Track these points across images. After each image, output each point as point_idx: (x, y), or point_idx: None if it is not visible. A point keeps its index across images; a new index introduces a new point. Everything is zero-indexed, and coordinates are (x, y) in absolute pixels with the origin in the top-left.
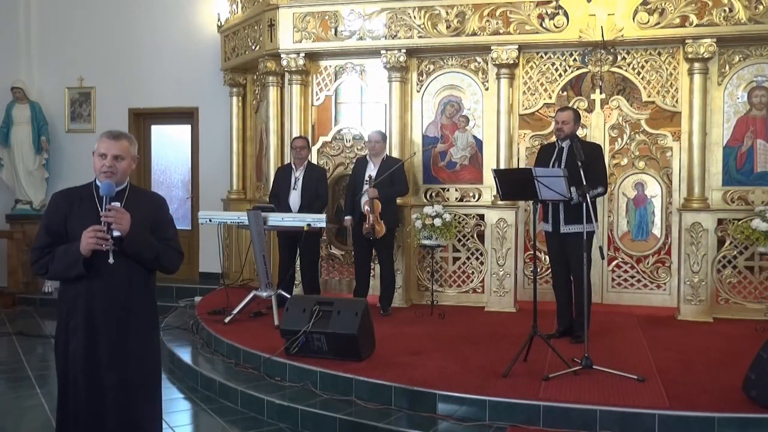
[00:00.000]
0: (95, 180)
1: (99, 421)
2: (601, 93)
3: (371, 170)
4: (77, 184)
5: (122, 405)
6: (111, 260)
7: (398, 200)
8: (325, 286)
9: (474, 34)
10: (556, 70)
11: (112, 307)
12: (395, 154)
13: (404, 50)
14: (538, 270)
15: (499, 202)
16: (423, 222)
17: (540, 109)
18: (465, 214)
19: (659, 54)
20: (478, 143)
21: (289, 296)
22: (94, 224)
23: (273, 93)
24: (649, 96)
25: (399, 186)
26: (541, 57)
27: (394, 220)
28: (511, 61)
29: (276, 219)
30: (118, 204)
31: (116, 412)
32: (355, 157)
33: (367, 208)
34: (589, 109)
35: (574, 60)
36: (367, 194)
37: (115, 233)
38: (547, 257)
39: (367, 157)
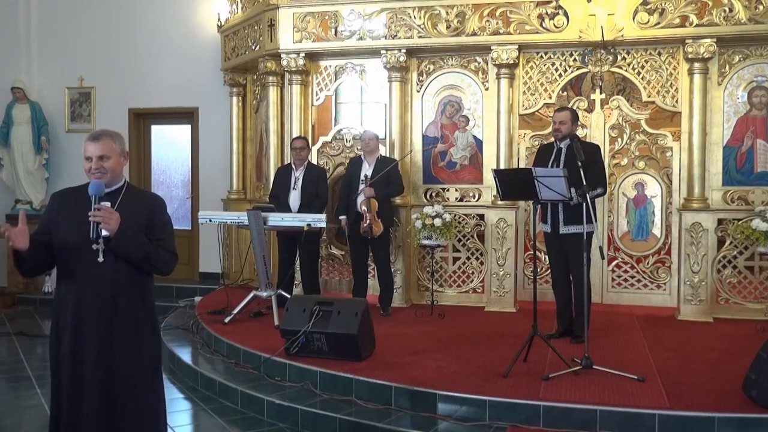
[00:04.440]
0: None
1: (88, 421)
2: (601, 93)
3: (366, 170)
4: (77, 184)
5: (110, 405)
6: (101, 259)
7: (398, 200)
8: (325, 286)
9: (474, 34)
10: (556, 70)
11: (99, 306)
12: (396, 154)
13: (404, 50)
14: (538, 270)
15: (499, 202)
16: (423, 222)
17: (540, 109)
18: (465, 214)
19: (659, 54)
20: (478, 143)
21: (289, 296)
22: (82, 223)
23: (273, 93)
24: (649, 96)
25: (395, 186)
26: (541, 57)
27: (389, 220)
28: (511, 61)
29: (276, 219)
30: (108, 204)
31: (103, 412)
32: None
33: (364, 207)
34: (589, 109)
35: (574, 60)
36: (363, 194)
37: (104, 233)
38: (547, 257)
39: (362, 157)
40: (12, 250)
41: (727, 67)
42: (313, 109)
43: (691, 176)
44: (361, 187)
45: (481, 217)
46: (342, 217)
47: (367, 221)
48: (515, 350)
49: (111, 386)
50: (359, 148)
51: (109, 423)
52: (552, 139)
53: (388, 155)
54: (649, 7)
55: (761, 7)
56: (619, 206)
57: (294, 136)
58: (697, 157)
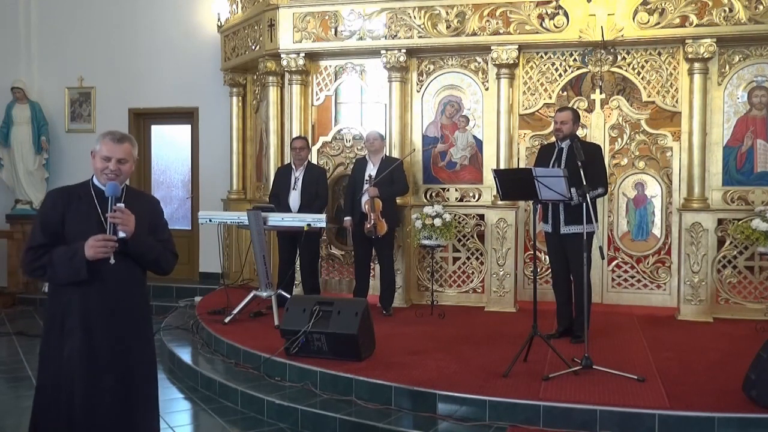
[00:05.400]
0: (92, 180)
1: (96, 423)
2: (601, 93)
3: (371, 170)
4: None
5: (121, 406)
6: (112, 261)
7: (398, 200)
8: (325, 286)
9: (474, 34)
10: (556, 70)
11: (111, 308)
12: (396, 154)
13: (404, 50)
14: (538, 270)
15: (499, 202)
16: (423, 222)
17: (540, 109)
18: (465, 214)
19: (659, 54)
20: (478, 143)
21: (289, 296)
22: (93, 224)
23: (273, 93)
24: (649, 96)
25: (399, 185)
26: (541, 57)
27: (394, 220)
28: (511, 61)
29: (276, 219)
30: (122, 205)
31: (115, 413)
32: (355, 157)
33: (367, 207)
34: (589, 109)
35: (574, 60)
36: (367, 193)
37: (121, 234)
38: (547, 257)
39: (367, 157)
40: (84, 260)
41: (727, 67)
42: (313, 109)
43: (691, 176)
44: (366, 186)
45: (481, 217)
46: (347, 218)
47: (371, 221)
48: (515, 350)
49: (125, 384)
50: (359, 148)
51: (122, 419)
52: (553, 139)
53: (388, 155)
54: (649, 7)
55: (761, 7)
56: (619, 206)
57: (294, 136)
58: (697, 157)
